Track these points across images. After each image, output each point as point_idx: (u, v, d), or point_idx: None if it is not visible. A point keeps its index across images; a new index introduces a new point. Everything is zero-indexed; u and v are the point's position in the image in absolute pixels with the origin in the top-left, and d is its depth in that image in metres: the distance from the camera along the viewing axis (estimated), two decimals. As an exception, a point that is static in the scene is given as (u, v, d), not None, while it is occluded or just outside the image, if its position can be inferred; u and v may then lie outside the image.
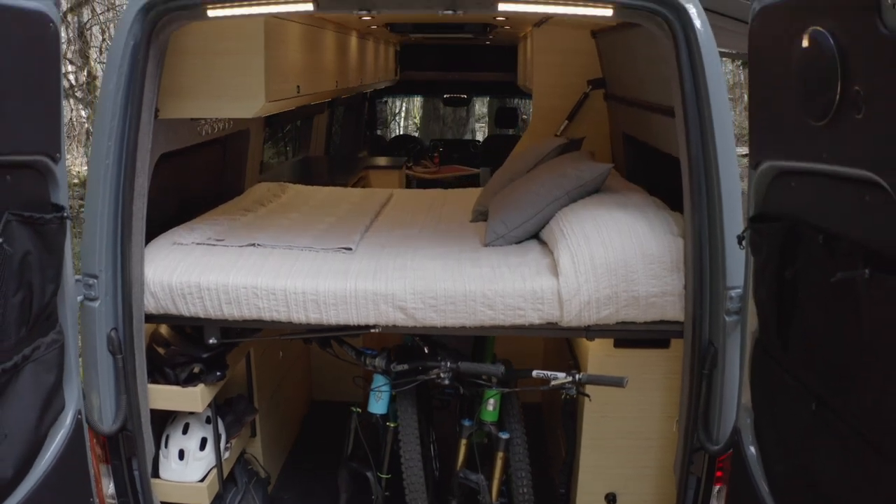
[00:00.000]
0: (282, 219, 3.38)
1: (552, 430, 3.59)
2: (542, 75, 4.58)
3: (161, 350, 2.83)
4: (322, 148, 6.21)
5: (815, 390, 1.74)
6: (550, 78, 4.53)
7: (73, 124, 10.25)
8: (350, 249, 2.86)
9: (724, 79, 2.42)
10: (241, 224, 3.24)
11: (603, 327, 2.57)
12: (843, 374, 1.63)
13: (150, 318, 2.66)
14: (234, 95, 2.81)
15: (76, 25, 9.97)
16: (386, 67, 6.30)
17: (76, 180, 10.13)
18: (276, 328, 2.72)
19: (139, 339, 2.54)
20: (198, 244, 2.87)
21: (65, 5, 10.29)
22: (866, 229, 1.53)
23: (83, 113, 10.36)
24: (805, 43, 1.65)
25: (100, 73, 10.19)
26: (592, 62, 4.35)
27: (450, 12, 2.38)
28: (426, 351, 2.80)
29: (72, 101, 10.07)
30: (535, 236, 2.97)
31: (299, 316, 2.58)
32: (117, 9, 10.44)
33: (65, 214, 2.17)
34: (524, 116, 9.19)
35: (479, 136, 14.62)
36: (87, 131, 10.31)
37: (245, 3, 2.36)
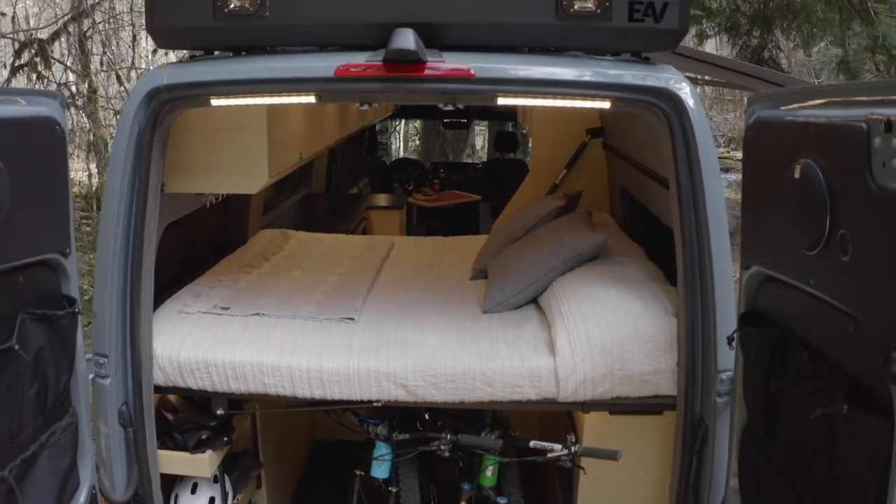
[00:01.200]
0: (285, 278, 3.45)
1: (550, 477, 3.66)
2: (541, 123, 4.60)
3: (169, 416, 2.91)
4: (323, 184, 6.26)
5: (799, 492, 1.79)
6: (549, 126, 4.54)
7: (74, 131, 10.28)
8: (353, 319, 2.93)
9: (717, 164, 2.46)
10: (245, 285, 3.31)
11: (598, 402, 2.64)
12: (821, 491, 1.67)
13: (158, 389, 2.73)
14: (238, 173, 2.85)
15: (77, 36, 9.95)
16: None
17: (76, 188, 10.17)
18: (282, 402, 2.78)
19: (149, 410, 2.61)
20: (204, 313, 2.94)
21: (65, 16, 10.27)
22: (848, 359, 1.55)
23: (85, 123, 10.39)
24: (797, 174, 1.68)
25: (100, 86, 10.19)
26: (591, 110, 4.37)
27: (450, 107, 2.44)
28: (426, 417, 2.88)
29: (73, 109, 10.09)
30: (534, 300, 3.04)
31: (304, 392, 2.65)
32: (118, 17, 10.43)
33: (76, 310, 2.24)
34: (524, 130, 9.21)
35: (479, 141, 14.60)
36: (89, 142, 10.36)
37: (248, 94, 2.40)
